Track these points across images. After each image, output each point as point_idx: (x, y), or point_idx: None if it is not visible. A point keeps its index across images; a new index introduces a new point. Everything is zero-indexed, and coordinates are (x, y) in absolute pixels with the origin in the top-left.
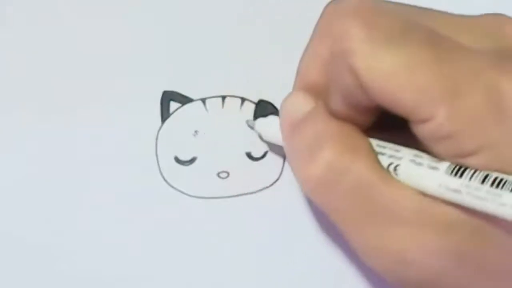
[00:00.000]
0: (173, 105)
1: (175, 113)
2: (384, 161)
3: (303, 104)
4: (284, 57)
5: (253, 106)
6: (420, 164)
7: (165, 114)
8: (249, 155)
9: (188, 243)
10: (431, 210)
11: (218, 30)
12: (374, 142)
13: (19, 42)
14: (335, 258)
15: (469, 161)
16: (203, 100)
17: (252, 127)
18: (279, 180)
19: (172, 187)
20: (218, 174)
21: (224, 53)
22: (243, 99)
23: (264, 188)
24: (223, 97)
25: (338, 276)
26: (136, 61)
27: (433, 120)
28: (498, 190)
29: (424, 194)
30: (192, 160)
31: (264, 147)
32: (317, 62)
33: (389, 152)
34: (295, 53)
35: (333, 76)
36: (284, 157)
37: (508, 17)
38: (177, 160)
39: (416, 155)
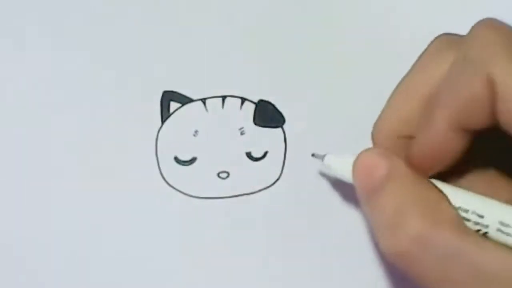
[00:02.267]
0: (173, 105)
1: (175, 113)
2: (471, 227)
3: (379, 164)
4: (284, 57)
5: (253, 106)
6: (508, 234)
7: (165, 114)
8: (249, 155)
9: (188, 243)
10: None
11: (218, 30)
12: (457, 203)
13: (19, 42)
14: (334, 258)
15: None
16: (203, 100)
17: (319, 158)
18: (279, 180)
19: (172, 187)
20: (218, 174)
21: (224, 53)
22: (243, 99)
23: (264, 188)
24: (223, 97)
25: (338, 276)
26: (136, 61)
27: None
28: None
29: None
30: (192, 160)
31: (264, 147)
32: (415, 95)
33: (474, 219)
34: (295, 53)
35: (455, 85)
36: (284, 157)
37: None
38: (177, 160)
39: (501, 223)
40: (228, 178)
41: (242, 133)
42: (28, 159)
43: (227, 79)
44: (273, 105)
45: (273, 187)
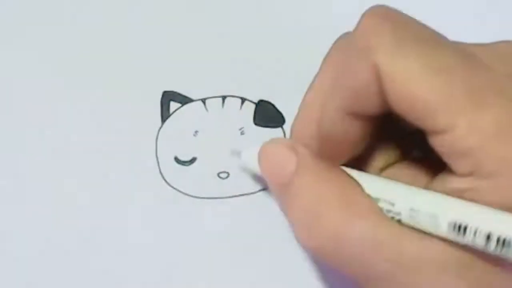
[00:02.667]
0: (173, 105)
1: (175, 113)
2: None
3: (286, 159)
4: (284, 57)
5: (253, 106)
6: (418, 222)
7: (165, 114)
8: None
9: (188, 243)
10: (444, 255)
11: (218, 30)
12: (368, 192)
13: (19, 41)
14: None
15: (483, 184)
16: (203, 100)
17: (236, 155)
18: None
19: (172, 187)
20: (218, 174)
21: (224, 54)
22: (243, 99)
23: (264, 188)
24: (223, 97)
25: (338, 276)
26: (136, 61)
27: (453, 132)
28: (504, 251)
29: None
30: (192, 160)
31: None
32: (321, 93)
33: (386, 207)
34: (295, 53)
35: (347, 74)
36: None
37: None
38: (177, 160)
39: (412, 209)
40: (228, 178)
41: (242, 133)
42: (28, 159)
43: (227, 79)
44: (273, 105)
45: None
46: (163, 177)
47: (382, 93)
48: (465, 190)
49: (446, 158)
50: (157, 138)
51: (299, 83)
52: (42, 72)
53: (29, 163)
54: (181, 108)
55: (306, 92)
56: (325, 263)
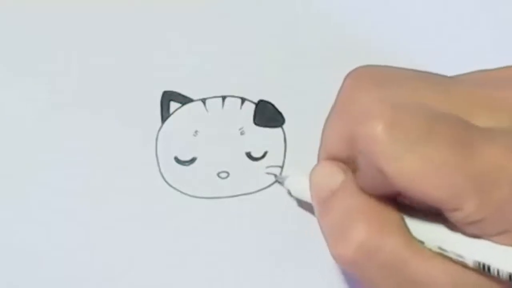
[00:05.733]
0: (173, 105)
1: (175, 113)
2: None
3: (332, 177)
4: (284, 57)
5: (253, 106)
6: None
7: (165, 114)
8: (249, 155)
9: (188, 243)
10: (466, 281)
11: (218, 30)
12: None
13: (20, 41)
14: None
15: (497, 239)
16: (203, 100)
17: (281, 183)
18: (276, 181)
19: (172, 187)
20: (218, 174)
21: (224, 53)
22: (243, 99)
23: (264, 188)
24: (223, 97)
25: (338, 276)
26: (136, 61)
27: (461, 211)
28: None
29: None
30: (192, 160)
31: (264, 147)
32: (338, 137)
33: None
34: (295, 53)
35: (362, 166)
36: (284, 157)
37: None
38: (177, 160)
39: (440, 248)
40: (228, 178)
41: (242, 133)
42: (28, 159)
43: (227, 79)
44: (273, 105)
45: (273, 187)
46: (163, 177)
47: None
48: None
49: (457, 225)
50: (157, 138)
51: (299, 83)
52: (42, 70)
53: (29, 163)
54: (181, 108)
55: (324, 130)
56: (355, 277)
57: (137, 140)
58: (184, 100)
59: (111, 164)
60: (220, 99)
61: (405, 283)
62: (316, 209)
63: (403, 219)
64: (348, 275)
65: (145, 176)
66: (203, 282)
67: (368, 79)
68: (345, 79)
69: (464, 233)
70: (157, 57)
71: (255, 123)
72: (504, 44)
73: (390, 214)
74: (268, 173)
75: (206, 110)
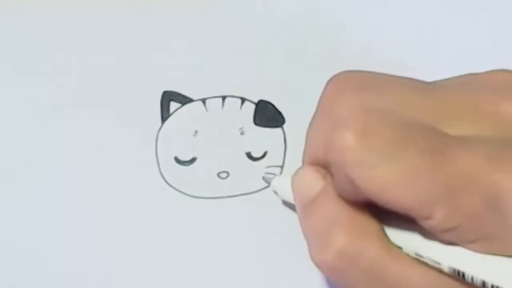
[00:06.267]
0: (173, 105)
1: (175, 113)
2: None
3: (313, 182)
4: (284, 57)
5: (253, 106)
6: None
7: (165, 114)
8: (249, 155)
9: (188, 243)
10: (443, 286)
11: (218, 30)
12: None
13: (20, 41)
14: None
15: (471, 246)
16: (203, 100)
17: (267, 183)
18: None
19: (172, 187)
20: (218, 174)
21: (224, 53)
22: (243, 99)
23: (264, 188)
24: (223, 97)
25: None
26: (136, 61)
27: (433, 219)
28: None
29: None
30: (192, 160)
31: (264, 147)
32: (319, 141)
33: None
34: (295, 53)
35: (335, 175)
36: (284, 157)
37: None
38: (177, 160)
39: (417, 254)
40: (228, 178)
41: (242, 133)
42: (28, 159)
43: (227, 79)
44: (273, 105)
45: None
46: (163, 177)
47: None
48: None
49: (431, 233)
50: (157, 138)
51: (299, 83)
52: (43, 70)
53: (29, 163)
54: (181, 108)
55: (307, 133)
56: (335, 283)
57: (137, 140)
58: (184, 100)
59: (111, 164)
60: (220, 99)
61: None
62: (298, 214)
63: (381, 226)
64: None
65: (145, 176)
66: (203, 282)
67: (350, 83)
68: (327, 82)
69: (440, 240)
70: (157, 57)
71: (255, 123)
72: (504, 44)
73: (368, 220)
74: (268, 173)
75: (206, 110)
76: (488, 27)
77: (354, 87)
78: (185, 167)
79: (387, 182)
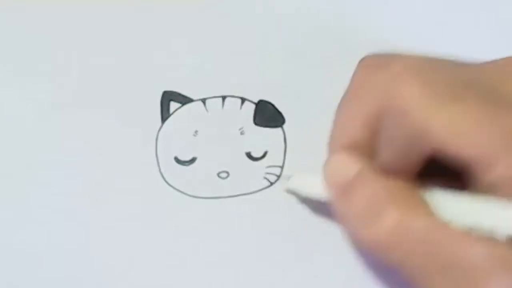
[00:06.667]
0: (173, 105)
1: (175, 113)
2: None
3: (349, 166)
4: (284, 57)
5: (253, 106)
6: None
7: (165, 114)
8: (249, 155)
9: (188, 243)
10: (503, 254)
11: (218, 30)
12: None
13: (20, 41)
14: (335, 257)
15: None
16: (203, 100)
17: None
18: (279, 180)
19: (172, 187)
20: (218, 174)
21: (224, 53)
22: (243, 99)
23: (264, 188)
24: (223, 97)
25: (338, 275)
26: (136, 61)
27: (494, 171)
28: None
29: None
30: (192, 160)
31: (264, 147)
32: (357, 120)
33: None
34: (295, 53)
35: (388, 131)
36: (284, 157)
37: None
38: (177, 160)
39: (467, 226)
40: (228, 178)
41: (242, 133)
42: (28, 159)
43: (227, 79)
44: (273, 105)
45: (273, 187)
46: (163, 177)
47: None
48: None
49: (490, 190)
50: (157, 138)
51: (299, 83)
52: (42, 73)
53: (29, 163)
54: (181, 108)
55: (338, 117)
56: (380, 261)
57: (137, 140)
58: (184, 100)
59: (111, 164)
60: (220, 99)
61: (442, 262)
62: (334, 199)
63: (429, 201)
64: (348, 274)
65: (145, 176)
66: (203, 282)
67: (382, 61)
68: (358, 66)
69: (497, 198)
70: (157, 57)
71: (255, 123)
72: (504, 44)
73: (416, 195)
74: (268, 173)
75: (206, 110)
76: (488, 27)
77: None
78: (185, 167)
79: (453, 128)
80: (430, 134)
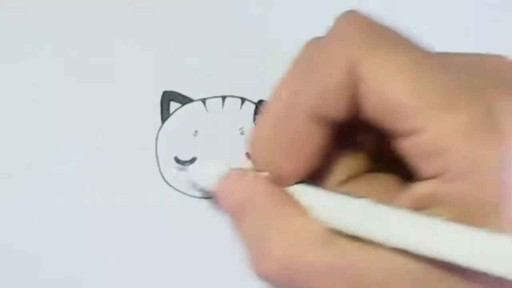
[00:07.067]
0: (173, 105)
1: (175, 113)
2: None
3: (241, 185)
4: (284, 58)
5: (253, 106)
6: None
7: (165, 114)
8: (249, 155)
9: (188, 243)
10: (401, 265)
11: (218, 30)
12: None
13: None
14: None
15: (452, 186)
16: (203, 100)
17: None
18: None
19: (172, 187)
20: None
21: (224, 53)
22: (243, 99)
23: None
24: (223, 97)
25: None
26: (136, 61)
27: (425, 133)
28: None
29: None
30: (192, 160)
31: None
32: (288, 95)
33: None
34: (295, 53)
35: (319, 75)
36: None
37: (509, 61)
38: (177, 160)
39: (359, 237)
40: None
41: (242, 133)
42: (28, 159)
43: (227, 79)
44: None
45: None
46: (163, 177)
47: (353, 95)
48: (432, 195)
49: (414, 162)
50: (157, 138)
51: None
52: (42, 73)
53: (29, 163)
54: (181, 108)
55: (271, 92)
56: None
57: (137, 140)
58: (184, 100)
59: (111, 164)
60: (220, 99)
61: (340, 286)
62: (231, 221)
63: (320, 222)
64: None
65: (145, 176)
66: (203, 282)
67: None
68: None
69: (423, 171)
70: (157, 57)
71: (255, 123)
72: (504, 43)
73: (304, 219)
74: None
75: (206, 110)
76: (488, 27)
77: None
78: (185, 167)
79: (391, 74)
80: (362, 73)
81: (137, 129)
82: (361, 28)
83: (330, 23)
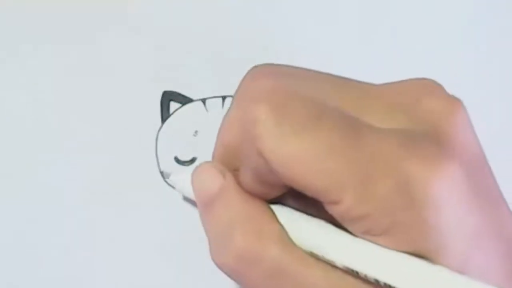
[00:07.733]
0: (173, 105)
1: (175, 113)
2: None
3: (212, 179)
4: (284, 57)
5: None
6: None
7: (165, 114)
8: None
9: (188, 243)
10: (345, 285)
11: (217, 30)
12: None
13: (20, 41)
14: None
15: (380, 240)
16: (203, 100)
17: (166, 177)
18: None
19: (172, 187)
20: None
21: (224, 53)
22: None
23: None
24: (223, 97)
25: None
26: (136, 61)
27: (342, 204)
28: None
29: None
30: (192, 160)
31: None
32: (230, 127)
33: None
34: (295, 53)
35: (244, 156)
36: None
37: (432, 85)
38: (177, 160)
39: (312, 253)
40: None
41: None
42: (28, 159)
43: (227, 79)
44: None
45: None
46: (163, 177)
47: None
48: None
49: (341, 223)
50: (157, 138)
51: None
52: (42, 74)
53: (29, 163)
54: (181, 108)
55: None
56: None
57: (137, 140)
58: (184, 100)
59: (111, 164)
60: (220, 99)
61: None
62: (200, 213)
63: (282, 225)
64: None
65: (145, 176)
66: (203, 282)
67: (267, 70)
68: (245, 74)
69: (351, 231)
70: (157, 57)
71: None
72: (504, 44)
73: (269, 219)
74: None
75: (206, 110)
76: (487, 28)
77: (272, 73)
78: (185, 167)
79: (298, 158)
80: (273, 164)
81: (137, 129)
82: (267, 105)
83: (330, 22)
